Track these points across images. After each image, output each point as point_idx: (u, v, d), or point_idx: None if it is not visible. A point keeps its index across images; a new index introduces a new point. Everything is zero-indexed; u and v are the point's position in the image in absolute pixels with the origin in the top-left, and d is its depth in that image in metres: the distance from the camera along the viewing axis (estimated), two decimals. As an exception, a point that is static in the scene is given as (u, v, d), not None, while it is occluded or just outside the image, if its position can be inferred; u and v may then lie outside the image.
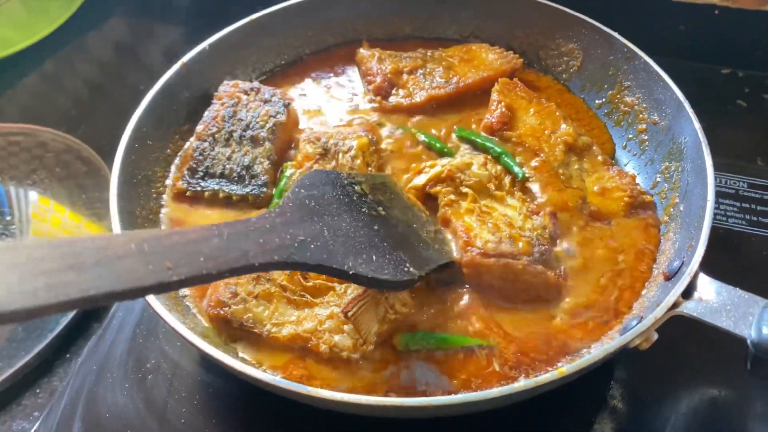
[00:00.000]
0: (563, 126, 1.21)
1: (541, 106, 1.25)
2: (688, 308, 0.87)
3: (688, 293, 0.89)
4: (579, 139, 1.20)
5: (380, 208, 0.96)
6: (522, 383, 0.80)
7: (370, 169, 1.16)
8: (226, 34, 1.32)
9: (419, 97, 1.32)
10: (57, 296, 0.58)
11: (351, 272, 0.84)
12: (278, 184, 1.17)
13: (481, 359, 0.97)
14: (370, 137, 1.20)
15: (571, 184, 1.15)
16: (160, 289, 0.67)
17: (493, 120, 1.23)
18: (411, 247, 0.96)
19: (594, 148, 1.20)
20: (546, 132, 1.21)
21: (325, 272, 0.86)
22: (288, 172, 1.16)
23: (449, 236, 1.07)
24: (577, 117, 1.33)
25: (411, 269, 0.90)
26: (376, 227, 0.92)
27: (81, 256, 0.62)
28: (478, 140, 1.21)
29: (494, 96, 1.26)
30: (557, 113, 1.24)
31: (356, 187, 0.97)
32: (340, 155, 1.15)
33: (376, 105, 1.32)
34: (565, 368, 0.82)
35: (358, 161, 1.15)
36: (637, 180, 1.20)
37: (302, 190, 0.91)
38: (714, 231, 1.25)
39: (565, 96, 1.38)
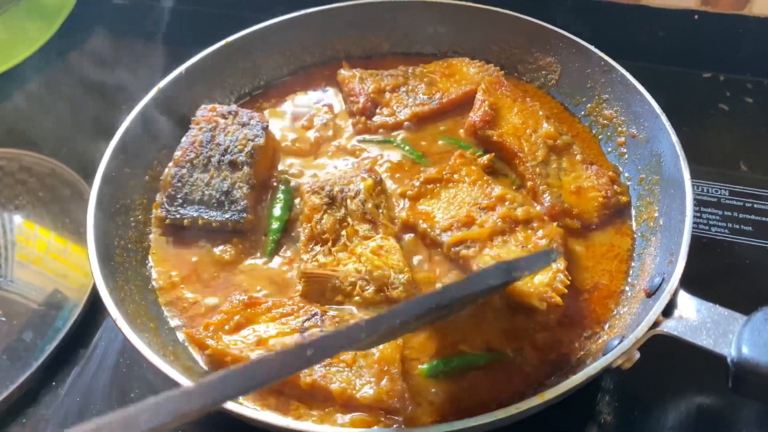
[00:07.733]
0: (545, 125, 1.21)
1: (525, 106, 1.26)
2: (668, 327, 0.87)
3: (668, 311, 0.89)
4: (560, 138, 1.20)
5: None
6: (503, 410, 0.80)
7: (381, 211, 1.13)
8: (202, 58, 1.32)
9: (403, 114, 1.31)
10: None
11: None
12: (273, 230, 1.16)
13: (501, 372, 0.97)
14: (373, 177, 1.17)
15: (547, 182, 1.15)
16: None
17: (476, 119, 1.24)
18: None
19: (574, 147, 1.20)
20: (528, 131, 1.21)
21: None
22: (300, 229, 1.14)
23: None
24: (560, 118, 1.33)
25: None
26: None
27: None
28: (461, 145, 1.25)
29: (479, 95, 1.27)
30: (540, 113, 1.24)
31: None
32: (348, 201, 1.13)
33: (360, 126, 1.31)
34: (546, 393, 0.82)
35: (369, 205, 1.12)
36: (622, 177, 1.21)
37: None
38: (697, 240, 1.26)
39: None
